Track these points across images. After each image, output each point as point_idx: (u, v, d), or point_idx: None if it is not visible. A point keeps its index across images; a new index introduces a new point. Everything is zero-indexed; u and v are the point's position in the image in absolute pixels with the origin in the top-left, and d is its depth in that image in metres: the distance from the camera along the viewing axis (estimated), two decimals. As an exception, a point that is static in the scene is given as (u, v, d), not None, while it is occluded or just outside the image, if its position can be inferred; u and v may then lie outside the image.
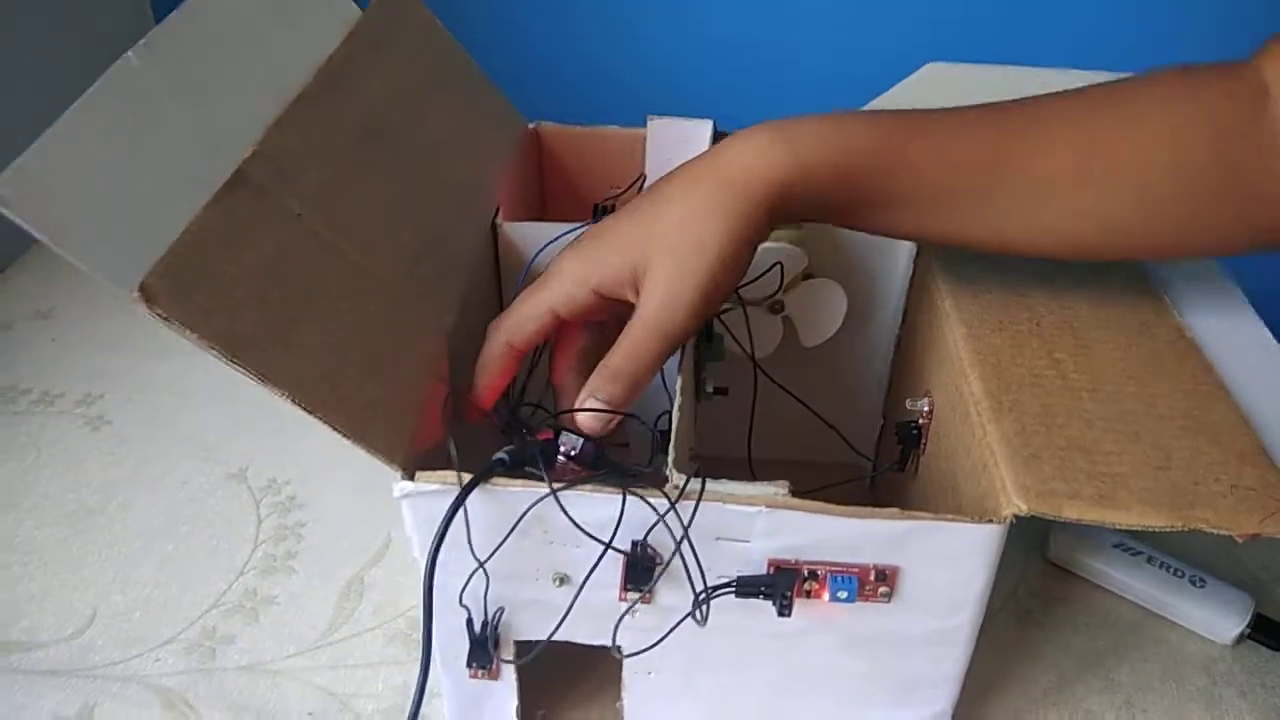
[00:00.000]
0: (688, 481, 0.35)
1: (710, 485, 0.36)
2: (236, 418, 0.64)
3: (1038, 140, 0.42)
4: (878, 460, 0.59)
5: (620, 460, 0.39)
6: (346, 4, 0.51)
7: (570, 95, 1.17)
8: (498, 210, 0.53)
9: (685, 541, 0.36)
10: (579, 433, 0.38)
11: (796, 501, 0.36)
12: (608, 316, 0.42)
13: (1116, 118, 0.42)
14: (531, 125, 0.63)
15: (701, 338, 0.48)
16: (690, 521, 0.36)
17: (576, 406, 0.39)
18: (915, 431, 0.47)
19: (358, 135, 0.45)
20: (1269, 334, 0.46)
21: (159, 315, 0.32)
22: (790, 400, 0.55)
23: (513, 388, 0.44)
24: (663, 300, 0.38)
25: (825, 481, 0.42)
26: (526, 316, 0.42)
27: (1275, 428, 0.40)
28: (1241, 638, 0.52)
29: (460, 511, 0.37)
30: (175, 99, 0.37)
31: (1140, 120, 0.41)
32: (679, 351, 0.42)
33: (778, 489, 0.36)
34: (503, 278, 0.54)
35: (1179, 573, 0.54)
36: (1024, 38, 1.13)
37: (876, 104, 1.20)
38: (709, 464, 0.37)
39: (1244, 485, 0.37)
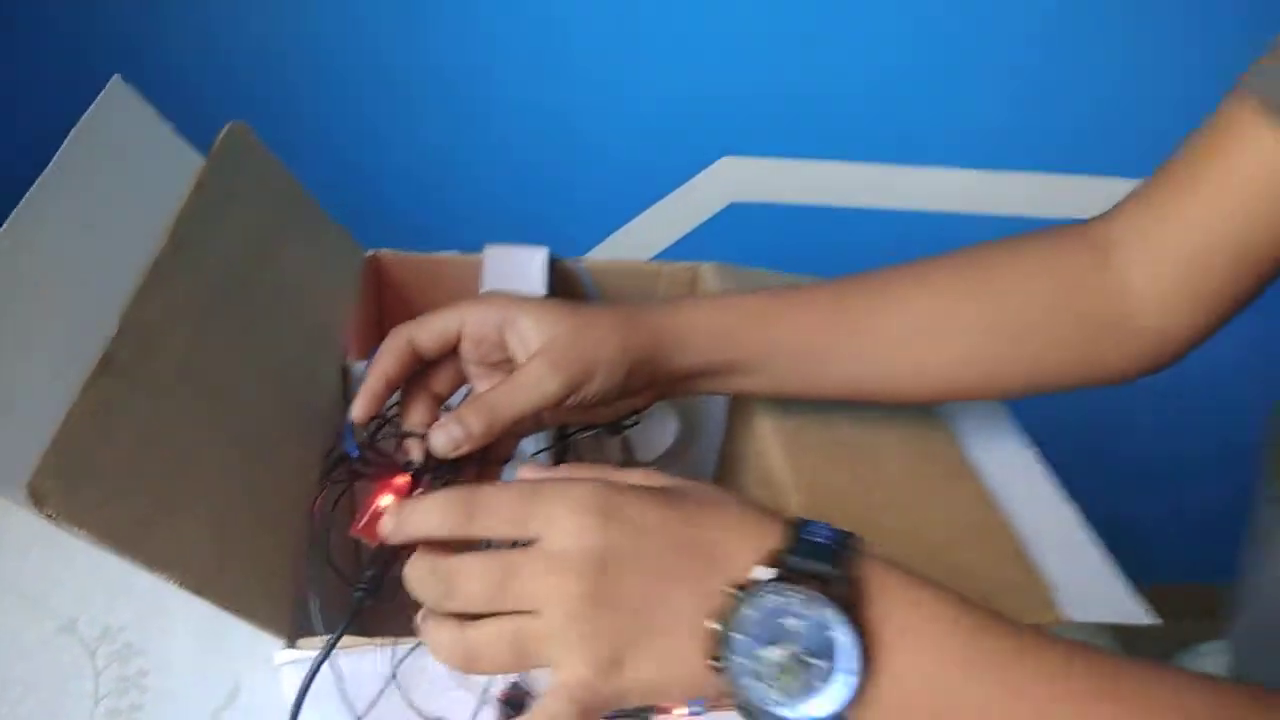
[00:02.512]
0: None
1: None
2: (60, 559, 0.61)
3: (889, 301, 0.50)
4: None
5: None
6: (189, 152, 0.52)
7: (400, 215, 1.18)
8: (347, 350, 0.55)
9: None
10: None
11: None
12: (479, 367, 0.48)
13: (970, 278, 0.50)
14: (370, 252, 0.65)
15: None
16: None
17: (437, 426, 0.43)
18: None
19: (215, 293, 0.46)
20: (1030, 451, 0.56)
21: (49, 516, 0.32)
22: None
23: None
24: (550, 363, 0.44)
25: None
26: (437, 319, 0.46)
27: (1033, 536, 0.48)
28: None
29: (328, 674, 0.39)
30: (40, 276, 0.38)
31: (993, 278, 0.50)
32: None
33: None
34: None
35: None
36: (815, 131, 1.25)
37: (665, 204, 1.29)
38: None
39: (1015, 586, 0.45)
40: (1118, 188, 0.52)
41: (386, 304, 0.67)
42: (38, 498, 0.32)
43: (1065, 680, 0.31)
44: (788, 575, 0.31)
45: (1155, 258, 0.49)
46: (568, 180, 1.27)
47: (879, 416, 0.55)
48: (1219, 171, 0.46)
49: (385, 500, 0.44)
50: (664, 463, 0.59)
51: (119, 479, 0.35)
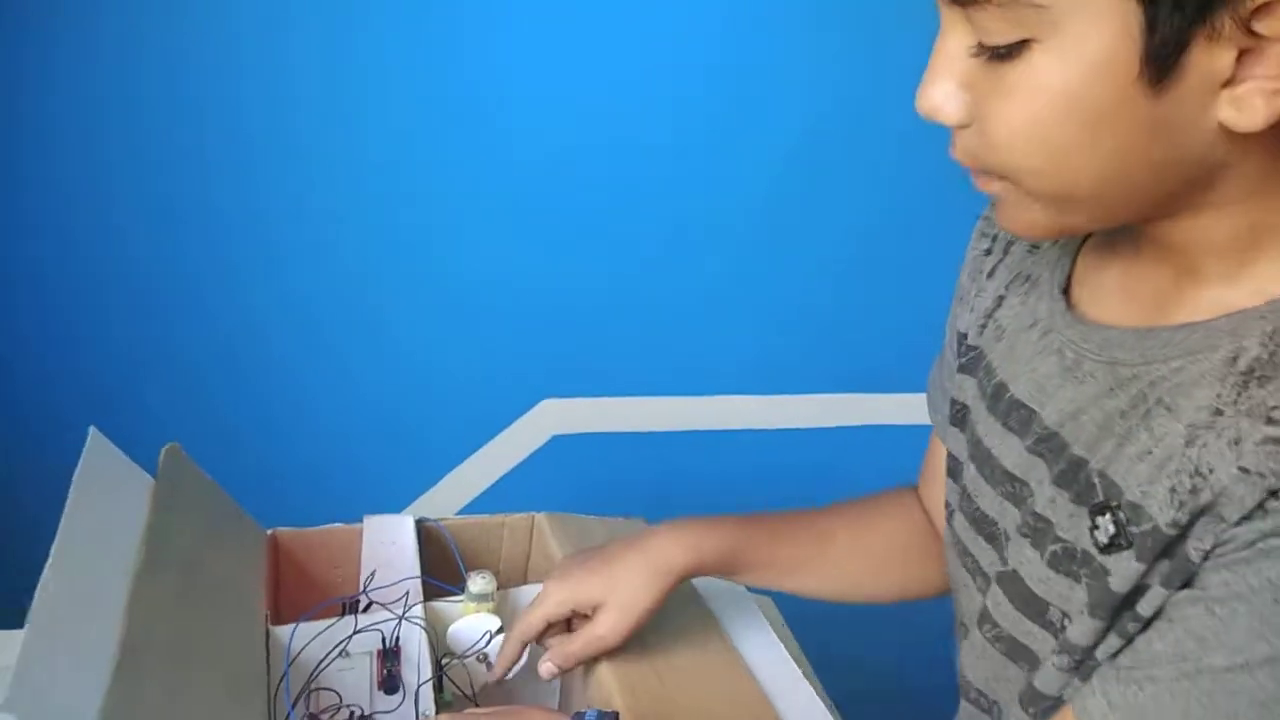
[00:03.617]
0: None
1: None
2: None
3: (829, 533, 0.75)
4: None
5: None
6: (141, 473, 0.69)
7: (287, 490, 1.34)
8: (267, 616, 0.71)
9: None
10: None
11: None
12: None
13: (865, 519, 0.77)
14: (269, 532, 0.81)
15: (438, 692, 0.69)
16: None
17: (541, 663, 0.70)
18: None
19: (180, 590, 0.62)
20: (786, 652, 0.78)
21: (107, 774, 0.47)
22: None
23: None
24: (610, 627, 0.69)
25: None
26: (530, 624, 0.71)
27: (785, 710, 0.70)
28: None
29: None
30: (75, 598, 0.54)
31: (878, 519, 0.77)
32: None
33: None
34: (270, 670, 0.70)
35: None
36: (625, 371, 1.50)
37: (497, 442, 1.50)
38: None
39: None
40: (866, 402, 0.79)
41: (283, 573, 0.83)
42: (99, 761, 0.47)
43: None
44: None
45: (933, 512, 0.75)
46: (413, 432, 1.46)
47: (676, 630, 0.75)
48: (935, 459, 0.74)
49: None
50: (520, 674, 0.76)
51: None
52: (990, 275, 0.64)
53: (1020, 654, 0.57)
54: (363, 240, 1.32)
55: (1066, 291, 0.57)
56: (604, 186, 1.37)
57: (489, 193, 1.34)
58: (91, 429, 0.66)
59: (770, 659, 0.75)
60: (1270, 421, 0.43)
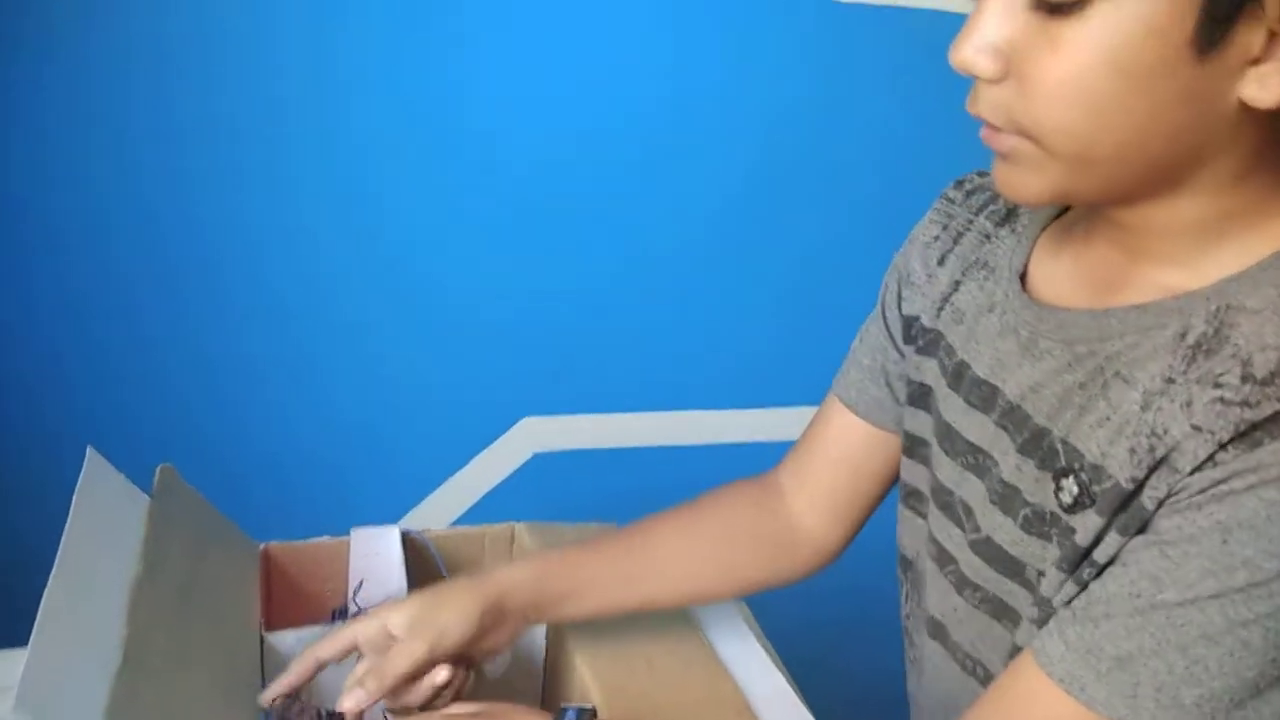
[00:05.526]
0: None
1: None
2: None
3: (650, 545, 0.76)
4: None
5: None
6: (137, 492, 0.72)
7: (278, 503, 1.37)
8: (261, 624, 0.74)
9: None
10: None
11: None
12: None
13: (696, 521, 0.78)
14: (261, 546, 0.84)
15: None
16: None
17: (345, 692, 0.63)
18: None
19: (177, 600, 0.66)
20: (759, 646, 0.81)
21: (116, 765, 0.51)
22: None
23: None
24: (413, 635, 0.65)
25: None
26: (335, 642, 0.66)
27: (757, 701, 0.73)
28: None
29: None
30: (79, 606, 0.57)
31: (710, 520, 0.78)
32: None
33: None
34: (265, 675, 0.73)
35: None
36: (602, 388, 1.54)
37: (479, 461, 1.53)
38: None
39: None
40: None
41: (274, 584, 0.86)
42: (108, 753, 0.50)
43: None
44: None
45: (805, 493, 0.78)
46: (396, 453, 1.49)
47: (652, 628, 0.79)
48: (828, 436, 0.76)
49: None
50: (506, 676, 0.79)
51: (148, 736, 0.54)
52: (941, 263, 0.68)
53: (1004, 613, 0.61)
54: (345, 265, 1.36)
55: (1023, 278, 0.62)
56: (581, 208, 1.42)
57: (468, 216, 1.38)
58: (89, 449, 0.69)
59: (744, 653, 0.79)
60: (1217, 386, 0.48)
